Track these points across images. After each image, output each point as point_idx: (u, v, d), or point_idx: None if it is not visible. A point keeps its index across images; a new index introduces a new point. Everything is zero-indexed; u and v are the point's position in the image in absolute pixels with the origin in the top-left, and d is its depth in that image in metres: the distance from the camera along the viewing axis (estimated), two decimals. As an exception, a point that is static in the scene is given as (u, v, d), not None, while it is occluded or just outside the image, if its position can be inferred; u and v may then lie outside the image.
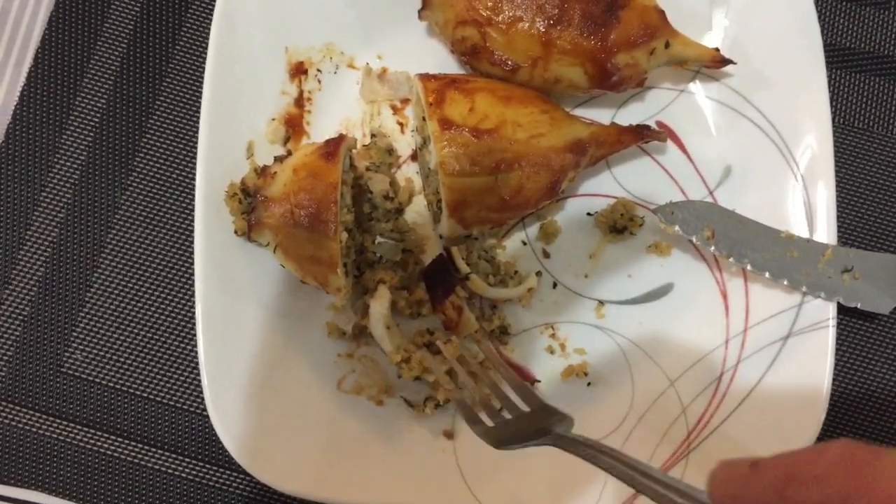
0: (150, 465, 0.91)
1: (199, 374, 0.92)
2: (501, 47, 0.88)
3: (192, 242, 0.93)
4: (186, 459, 0.92)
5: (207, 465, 0.92)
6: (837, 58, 1.01)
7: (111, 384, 0.92)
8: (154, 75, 0.98)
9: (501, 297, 0.92)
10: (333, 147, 0.85)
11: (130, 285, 0.94)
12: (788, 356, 0.89)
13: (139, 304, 0.94)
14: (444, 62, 0.96)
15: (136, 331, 0.93)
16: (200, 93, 0.90)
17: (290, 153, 0.91)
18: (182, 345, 0.94)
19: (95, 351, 0.93)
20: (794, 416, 0.87)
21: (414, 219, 0.95)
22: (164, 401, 0.93)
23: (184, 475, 0.91)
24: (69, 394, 0.92)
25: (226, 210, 0.88)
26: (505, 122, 0.85)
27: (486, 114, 0.85)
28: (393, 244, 0.94)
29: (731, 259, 0.89)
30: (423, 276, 0.92)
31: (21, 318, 0.93)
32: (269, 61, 0.94)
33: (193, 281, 0.87)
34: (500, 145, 0.84)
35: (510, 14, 0.86)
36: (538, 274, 0.94)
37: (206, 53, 0.90)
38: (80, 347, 0.93)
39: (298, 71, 0.95)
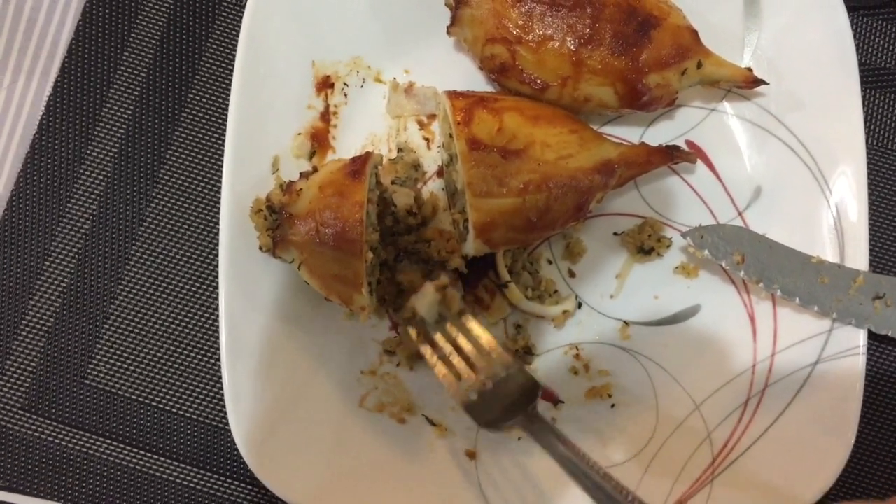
0: (171, 478, 0.91)
1: (221, 389, 0.91)
2: (531, 66, 0.87)
3: (216, 256, 0.93)
4: (208, 473, 0.92)
5: (229, 480, 0.92)
6: (873, 78, 0.99)
7: (134, 397, 0.93)
8: (181, 86, 0.98)
9: (534, 312, 0.92)
10: (360, 165, 0.84)
11: (154, 298, 0.94)
12: (817, 383, 0.88)
13: (163, 317, 0.94)
14: (471, 78, 0.96)
15: (159, 343, 0.93)
16: (227, 105, 0.90)
17: (315, 168, 0.90)
18: (205, 359, 0.94)
19: (119, 363, 0.93)
20: (822, 444, 0.85)
21: (439, 235, 0.94)
22: (187, 414, 0.93)
23: (205, 489, 0.91)
24: (92, 406, 0.92)
25: (251, 225, 0.88)
26: (533, 143, 0.84)
27: (515, 134, 0.84)
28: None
29: (760, 284, 0.88)
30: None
31: (45, 329, 0.93)
32: (296, 75, 0.93)
33: (217, 294, 0.86)
34: (529, 166, 0.83)
35: (540, 33, 0.85)
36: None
37: (233, 65, 0.90)
38: (104, 360, 0.93)
39: (325, 85, 0.94)
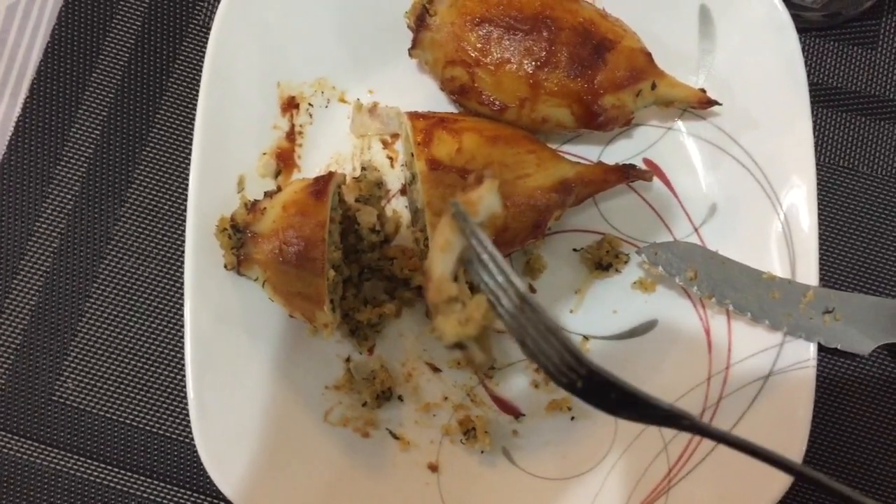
0: (139, 493, 0.93)
1: (188, 404, 0.93)
2: (490, 88, 0.89)
3: (183, 274, 0.95)
4: (175, 488, 0.93)
5: (196, 494, 0.93)
6: (824, 97, 1.02)
7: (102, 413, 0.94)
8: (149, 106, 0.99)
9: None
10: (323, 185, 0.86)
11: (122, 315, 0.96)
12: (769, 395, 0.90)
13: (131, 334, 0.95)
14: (434, 98, 0.98)
15: (127, 360, 0.95)
16: (194, 125, 0.91)
17: (280, 188, 0.92)
18: (172, 375, 0.95)
19: (87, 380, 0.94)
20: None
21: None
22: (155, 430, 0.94)
23: None
24: (60, 422, 0.93)
25: (216, 243, 0.90)
26: (492, 163, 0.86)
27: (474, 154, 0.86)
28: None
29: (713, 299, 0.90)
30: None
31: (13, 346, 0.94)
32: (261, 96, 0.95)
33: (184, 312, 0.88)
34: (487, 186, 0.85)
35: (498, 55, 0.87)
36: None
37: (199, 87, 0.91)
38: (72, 376, 0.94)
39: (290, 105, 0.96)
